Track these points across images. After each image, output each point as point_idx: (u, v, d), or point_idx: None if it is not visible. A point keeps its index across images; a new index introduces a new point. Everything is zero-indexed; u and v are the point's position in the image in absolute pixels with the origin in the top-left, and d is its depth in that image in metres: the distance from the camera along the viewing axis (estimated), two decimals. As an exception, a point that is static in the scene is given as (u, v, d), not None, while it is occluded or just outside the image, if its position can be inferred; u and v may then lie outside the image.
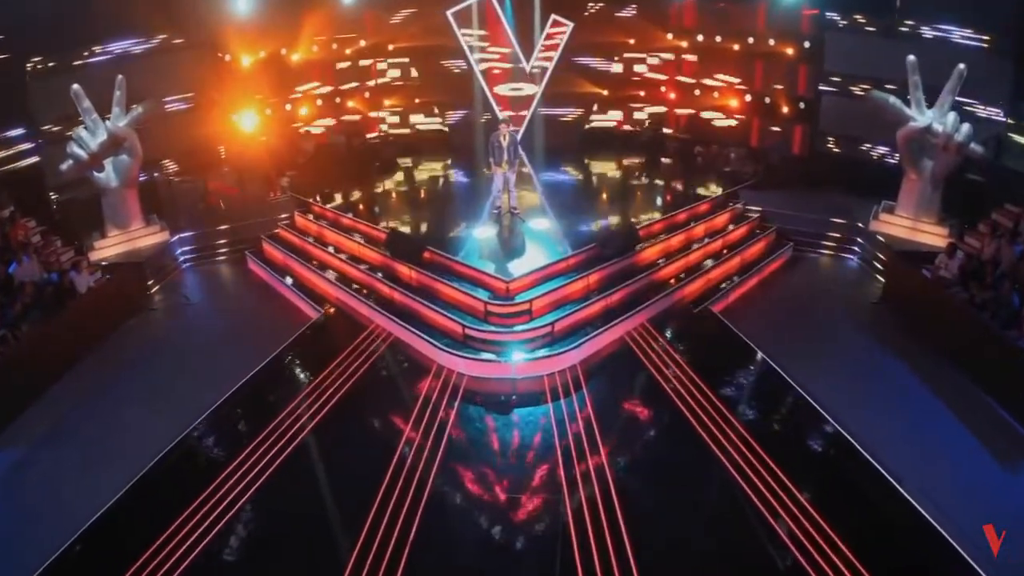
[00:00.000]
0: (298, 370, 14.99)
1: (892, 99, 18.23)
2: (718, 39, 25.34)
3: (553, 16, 26.58)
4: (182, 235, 20.53)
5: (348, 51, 27.24)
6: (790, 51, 23.84)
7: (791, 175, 23.16)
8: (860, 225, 20.35)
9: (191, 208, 22.34)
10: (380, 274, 17.71)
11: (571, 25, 26.49)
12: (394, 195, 23.16)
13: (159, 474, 11.68)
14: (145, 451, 12.04)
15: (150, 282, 18.63)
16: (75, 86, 17.18)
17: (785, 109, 24.25)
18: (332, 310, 17.37)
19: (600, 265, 16.87)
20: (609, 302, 16.23)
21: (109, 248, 19.05)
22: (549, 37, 26.61)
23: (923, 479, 10.99)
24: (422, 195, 23.13)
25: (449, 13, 26.53)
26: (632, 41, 27.07)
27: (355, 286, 17.76)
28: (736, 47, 25.04)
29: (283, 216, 21.57)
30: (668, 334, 15.90)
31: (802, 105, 23.89)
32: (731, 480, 11.33)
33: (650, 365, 14.56)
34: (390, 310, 16.49)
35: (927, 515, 10.34)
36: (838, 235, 20.56)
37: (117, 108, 17.69)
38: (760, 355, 14.79)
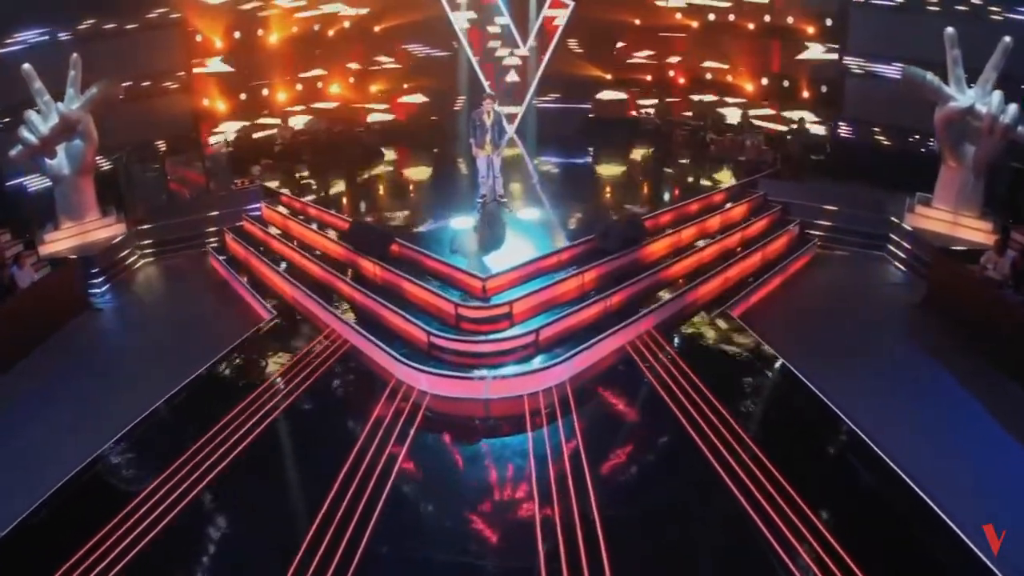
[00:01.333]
0: (229, 385, 11.97)
1: (929, 76, 15.38)
2: (731, 18, 22.32)
3: (552, -6, 23.77)
4: (141, 228, 18.11)
5: (331, 32, 24.42)
6: (811, 29, 20.84)
7: (813, 164, 20.11)
8: (892, 219, 17.35)
9: (153, 198, 19.81)
10: (343, 271, 14.87)
11: (571, 4, 23.65)
12: (372, 185, 20.14)
13: (65, 497, 9.26)
14: (55, 468, 9.69)
15: (101, 279, 16.19)
16: (25, 65, 15.25)
17: (806, 93, 21.23)
18: (285, 312, 14.51)
19: (598, 261, 13.85)
20: (608, 305, 13.18)
21: (61, 241, 16.68)
22: (548, 18, 23.84)
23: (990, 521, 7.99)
24: (403, 184, 20.17)
25: None
26: (638, 21, 24.11)
27: (312, 285, 14.90)
28: (751, 26, 22.01)
29: (251, 207, 19.07)
30: (678, 343, 12.80)
31: (824, 88, 20.85)
32: (756, 534, 8.29)
33: (656, 381, 11.40)
34: (347, 313, 13.62)
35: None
36: (868, 230, 17.53)
37: (71, 89, 15.65)
38: (789, 369, 11.72)
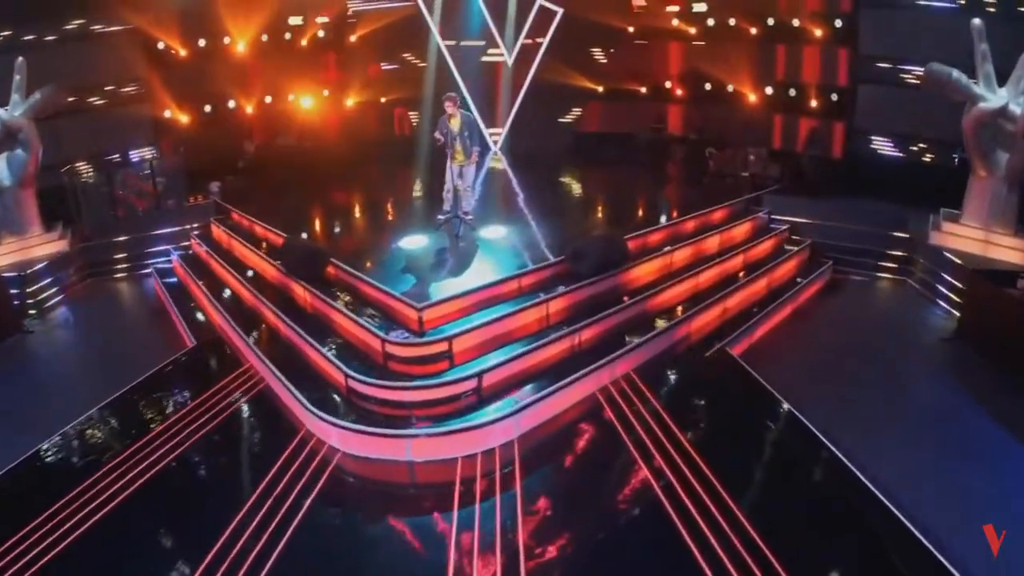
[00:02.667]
0: (122, 426, 9.49)
1: (955, 73, 13.12)
2: (732, 22, 19.73)
3: (540, 1, 21.31)
4: (86, 245, 16.10)
5: (304, 41, 21.97)
6: (819, 32, 18.23)
7: (824, 179, 17.44)
8: (916, 238, 14.71)
9: (101, 214, 17.42)
10: (274, 296, 12.21)
11: (560, 11, 21.18)
12: (332, 202, 17.40)
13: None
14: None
15: (37, 299, 14.19)
16: None
17: (814, 102, 18.59)
18: (212, 343, 11.96)
19: (569, 288, 11.08)
20: (577, 342, 10.37)
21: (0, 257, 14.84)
22: (536, 25, 21.43)
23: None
24: (368, 201, 17.41)
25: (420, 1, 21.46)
26: (632, 29, 21.55)
27: (240, 312, 12.35)
28: (754, 30, 19.40)
29: (200, 226, 16.66)
30: (663, 390, 9.92)
31: (835, 97, 18.23)
32: None
33: (632, 443, 8.56)
34: (264, 347, 10.96)
35: None
36: (888, 251, 14.87)
37: (16, 95, 14.34)
38: (801, 422, 8.92)
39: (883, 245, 14.90)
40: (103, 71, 18.53)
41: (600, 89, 22.13)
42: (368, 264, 11.96)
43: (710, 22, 20.09)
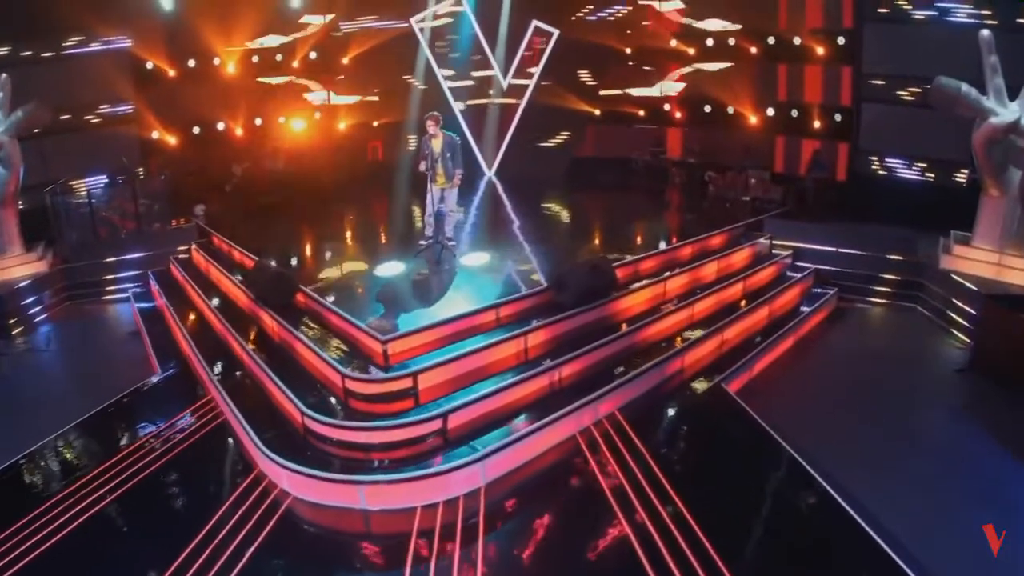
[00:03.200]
0: (66, 461, 8.69)
1: (964, 87, 12.27)
2: (731, 42, 18.97)
3: (535, 22, 20.75)
4: (65, 267, 15.32)
5: (295, 63, 21.31)
6: (820, 50, 17.44)
7: (829, 203, 16.58)
8: (925, 263, 13.82)
9: (83, 234, 16.44)
10: (243, 324, 11.38)
11: (556, 33, 20.53)
12: (317, 228, 16.48)
13: None
14: None
15: (12, 320, 13.46)
16: None
17: (817, 123, 17.77)
18: (178, 373, 11.07)
19: (550, 319, 10.16)
20: (557, 379, 9.42)
21: None
22: (531, 47, 20.80)
23: None
24: (351, 226, 16.64)
25: (413, 21, 20.86)
26: (628, 50, 20.82)
27: (209, 341, 11.51)
28: (754, 50, 18.63)
29: (181, 250, 15.94)
30: (651, 432, 8.87)
31: (838, 117, 17.40)
32: None
33: (613, 494, 7.58)
34: (225, 379, 10.10)
35: None
36: (896, 277, 13.98)
37: (0, 112, 13.87)
38: (802, 467, 7.94)
39: (891, 271, 14.01)
40: (90, 90, 17.89)
41: (597, 112, 21.36)
42: (341, 292, 11.20)
43: (709, 42, 19.32)
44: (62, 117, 16.93)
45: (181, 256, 15.61)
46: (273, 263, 11.70)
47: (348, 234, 16.02)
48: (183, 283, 14.29)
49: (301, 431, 8.43)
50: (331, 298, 10.66)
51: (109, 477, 8.10)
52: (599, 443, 8.53)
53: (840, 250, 14.48)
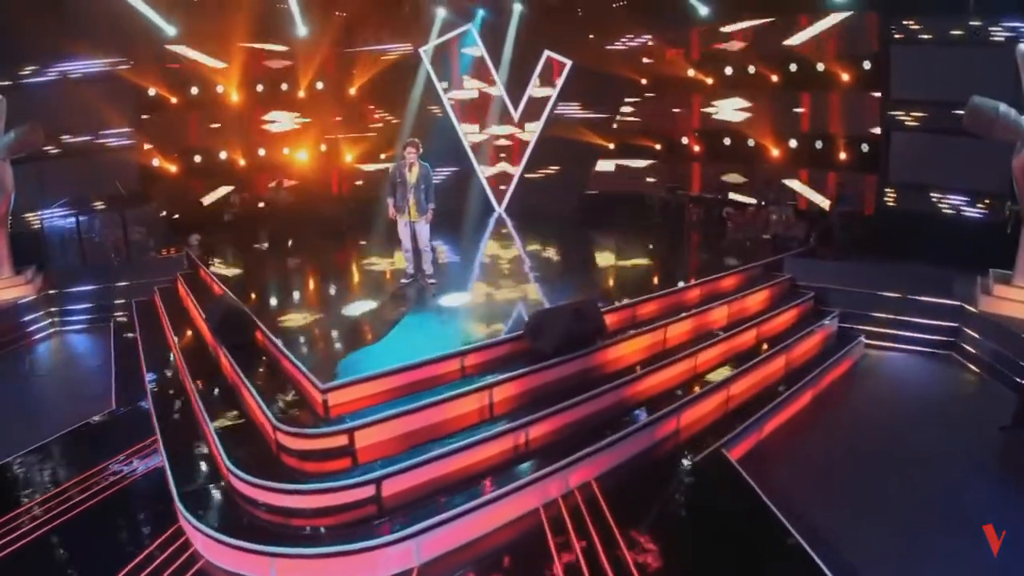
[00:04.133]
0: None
1: (1003, 107, 10.91)
2: (751, 70, 17.63)
3: (547, 52, 19.69)
4: (49, 292, 14.76)
5: (301, 93, 20.42)
6: (845, 76, 16.04)
7: (856, 239, 15.06)
8: (962, 305, 12.28)
9: (71, 260, 16.10)
10: (201, 364, 10.33)
11: (569, 63, 19.42)
12: (305, 262, 15.51)
13: None
14: None
15: None
16: None
17: (843, 154, 16.31)
18: (131, 410, 10.18)
19: (519, 370, 8.79)
20: (523, 440, 8.01)
21: None
22: (544, 78, 19.78)
23: None
24: (341, 262, 15.41)
25: (423, 51, 19.94)
26: (644, 81, 19.59)
27: (164, 377, 10.75)
28: (775, 78, 17.26)
29: (167, 279, 15.19)
30: (630, 509, 7.35)
31: (865, 147, 15.93)
32: None
33: None
34: (168, 421, 9.19)
35: None
36: (930, 321, 12.47)
37: None
38: (814, 561, 6.50)
39: (924, 314, 12.54)
40: (91, 116, 17.21)
41: (611, 146, 20.10)
42: (300, 333, 10.03)
43: (728, 71, 18.01)
44: (64, 141, 16.80)
45: (165, 286, 14.80)
46: (232, 298, 10.74)
47: (333, 270, 14.90)
48: (160, 315, 13.46)
49: (226, 486, 7.25)
50: (281, 340, 9.44)
51: (25, 521, 7.32)
52: (566, 521, 7.11)
53: (868, 291, 13.02)
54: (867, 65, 15.46)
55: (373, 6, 20.11)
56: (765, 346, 11.24)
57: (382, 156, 21.31)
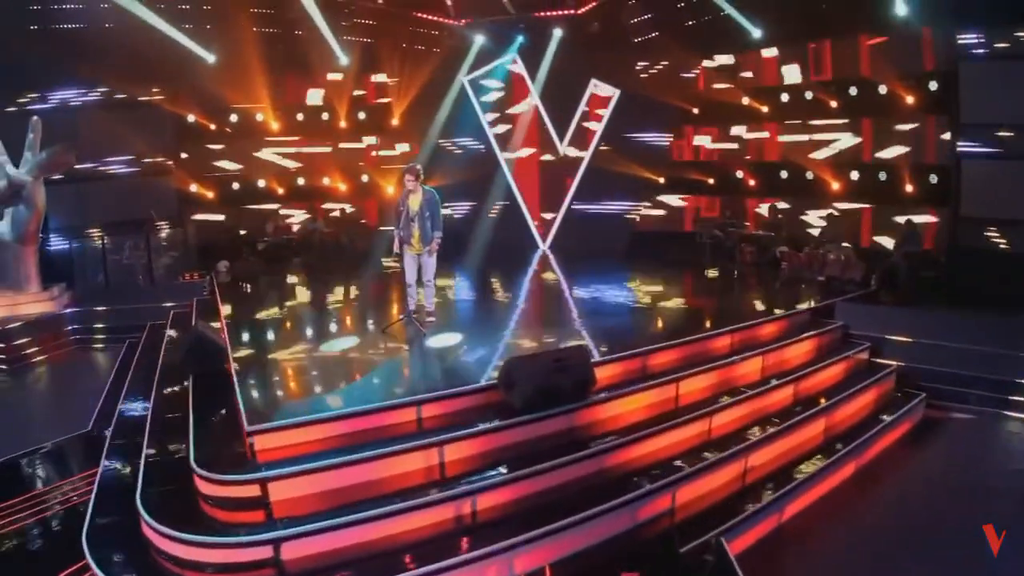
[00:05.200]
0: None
1: None
2: (808, 95, 15.83)
3: (594, 81, 18.33)
4: (76, 309, 14.88)
5: (342, 123, 19.61)
6: (910, 99, 14.10)
7: (922, 283, 13.04)
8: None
9: (96, 280, 16.85)
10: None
11: (617, 92, 18.01)
12: (323, 294, 14.59)
13: None
14: None
15: (13, 355, 13.12)
16: None
17: (908, 187, 14.32)
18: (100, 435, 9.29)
19: (480, 426, 7.29)
20: (470, 510, 6.43)
21: None
22: (591, 107, 18.44)
23: None
24: (354, 297, 14.43)
25: (466, 80, 18.89)
26: (696, 111, 17.98)
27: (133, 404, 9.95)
28: (834, 104, 15.41)
29: (182, 305, 14.62)
30: None
31: (934, 178, 13.92)
32: None
33: None
34: (112, 451, 8.35)
35: None
36: (1003, 378, 10.35)
37: (28, 153, 13.85)
38: None
39: (999, 370, 10.42)
40: (133, 139, 17.43)
41: (661, 180, 18.50)
42: (265, 367, 9.19)
43: (784, 97, 16.24)
44: (105, 164, 17.31)
45: (180, 311, 14.16)
46: (204, 327, 9.86)
47: (340, 303, 14.03)
48: (164, 339, 12.52)
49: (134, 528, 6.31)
50: (237, 373, 8.50)
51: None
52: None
53: (933, 342, 11.02)
54: (933, 86, 13.49)
55: (411, 36, 19.24)
56: (800, 407, 9.39)
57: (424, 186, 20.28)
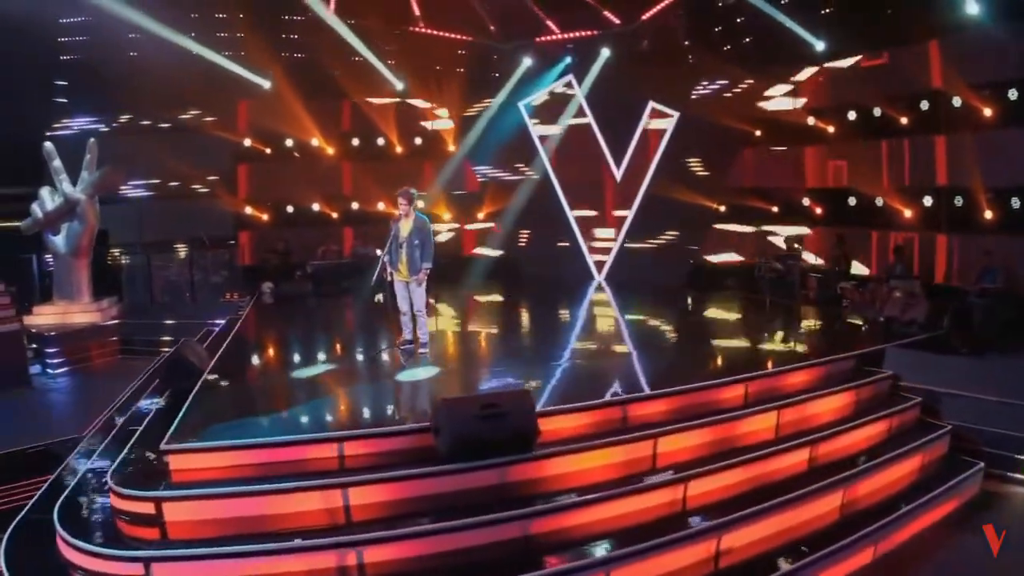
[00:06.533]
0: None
1: None
2: (877, 112, 13.76)
3: (651, 103, 16.78)
4: (122, 321, 15.41)
5: (399, 149, 18.99)
6: (987, 111, 11.89)
7: (1003, 327, 10.80)
8: None
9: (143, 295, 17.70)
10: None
11: (675, 115, 16.43)
12: (349, 319, 14.47)
13: None
14: None
15: (57, 360, 13.60)
16: (47, 144, 14.19)
17: (988, 213, 12.05)
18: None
19: (391, 472, 6.31)
20: (355, 563, 5.58)
21: (45, 316, 14.80)
22: (648, 130, 16.95)
23: None
24: (368, 323, 13.48)
25: (521, 105, 17.78)
26: (758, 132, 16.14)
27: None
28: (904, 120, 13.30)
29: (217, 323, 14.51)
30: None
31: (1017, 202, 11.62)
32: None
33: None
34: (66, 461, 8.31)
35: None
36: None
37: (84, 172, 14.38)
38: None
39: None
40: (192, 161, 17.73)
41: (722, 208, 16.70)
42: (234, 387, 9.03)
43: (851, 115, 14.22)
44: (169, 184, 18.15)
45: (213, 329, 14.05)
46: (188, 345, 9.68)
47: (351, 328, 13.72)
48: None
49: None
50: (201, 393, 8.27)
51: None
52: None
53: (1003, 400, 8.90)
54: (1013, 94, 11.27)
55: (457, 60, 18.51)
56: (820, 474, 7.57)
57: (480, 215, 19.36)
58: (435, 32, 17.92)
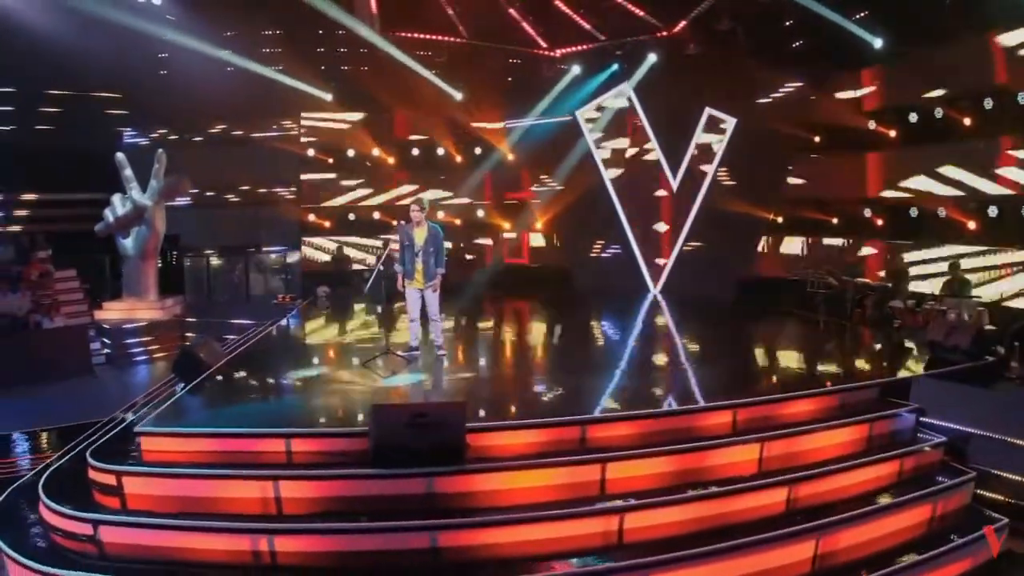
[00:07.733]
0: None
1: None
2: (939, 113, 12.16)
3: (708, 111, 15.66)
4: (183, 318, 16.04)
5: (459, 158, 18.83)
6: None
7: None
8: None
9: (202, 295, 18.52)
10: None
11: (734, 121, 15.26)
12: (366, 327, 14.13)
13: None
14: None
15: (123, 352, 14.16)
16: (119, 154, 14.92)
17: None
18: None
19: (321, 471, 6.27)
20: (267, 549, 5.80)
21: (112, 312, 15.47)
22: (704, 139, 15.92)
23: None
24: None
25: (579, 113, 17.03)
26: (817, 138, 14.72)
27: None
28: (968, 121, 11.68)
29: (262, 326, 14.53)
30: None
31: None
32: None
33: None
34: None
35: None
36: None
37: (153, 181, 14.90)
38: None
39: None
40: (259, 172, 18.78)
41: (778, 219, 15.32)
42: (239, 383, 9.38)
43: (912, 118, 12.66)
44: (230, 193, 19.03)
45: (258, 327, 14.29)
46: (203, 340, 9.97)
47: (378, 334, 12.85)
48: None
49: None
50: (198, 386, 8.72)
51: None
52: None
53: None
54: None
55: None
56: (800, 518, 6.48)
57: (538, 225, 18.68)
58: (484, 44, 17.36)
